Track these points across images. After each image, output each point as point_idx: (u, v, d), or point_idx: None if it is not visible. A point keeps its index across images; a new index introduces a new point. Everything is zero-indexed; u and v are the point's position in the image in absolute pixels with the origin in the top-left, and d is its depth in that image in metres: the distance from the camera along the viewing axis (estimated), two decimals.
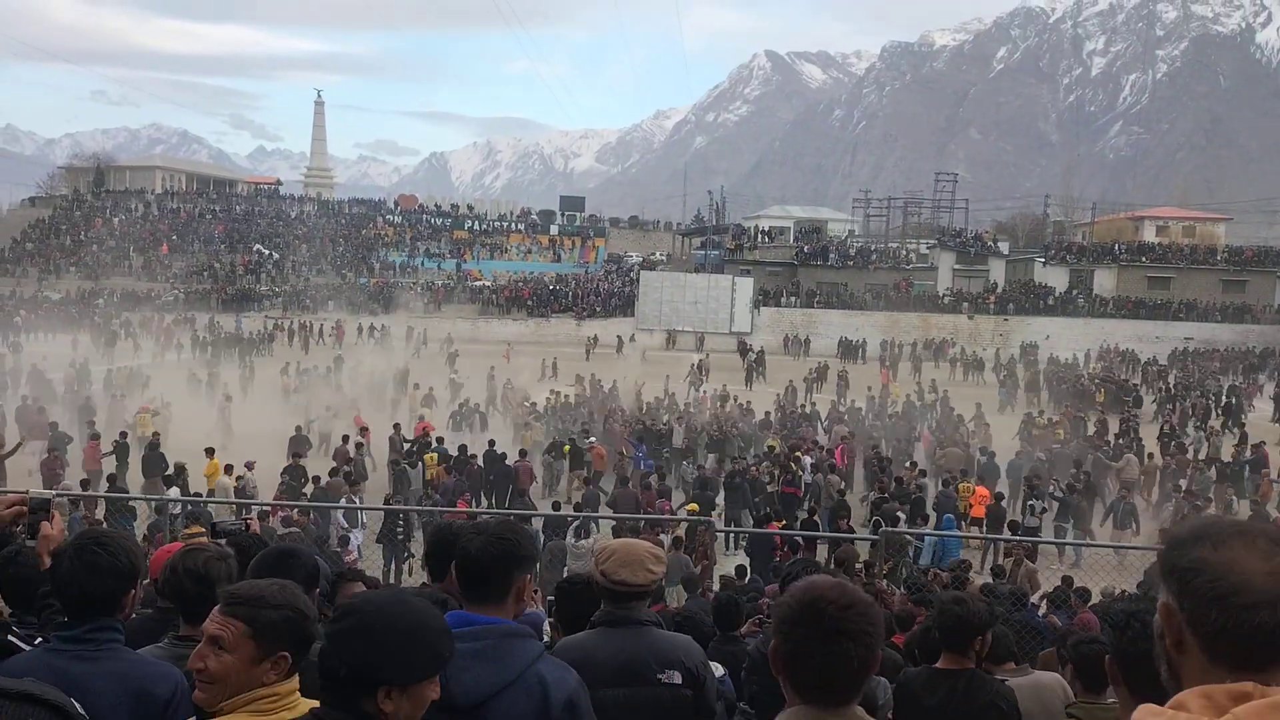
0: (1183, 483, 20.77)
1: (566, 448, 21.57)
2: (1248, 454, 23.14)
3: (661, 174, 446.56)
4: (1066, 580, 12.27)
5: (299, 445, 21.36)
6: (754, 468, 20.27)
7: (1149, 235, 74.53)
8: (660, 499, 17.05)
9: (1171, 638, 1.41)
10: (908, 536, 14.17)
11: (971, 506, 18.38)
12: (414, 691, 1.98)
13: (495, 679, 2.44)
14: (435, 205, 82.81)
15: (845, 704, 1.87)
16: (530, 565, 2.63)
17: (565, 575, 8.24)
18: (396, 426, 22.50)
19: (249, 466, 17.19)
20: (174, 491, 15.78)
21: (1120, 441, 25.18)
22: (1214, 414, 32.22)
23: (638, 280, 59.26)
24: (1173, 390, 36.61)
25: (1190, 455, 24.10)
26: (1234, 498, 20.61)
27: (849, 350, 49.73)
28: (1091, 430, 27.47)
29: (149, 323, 48.42)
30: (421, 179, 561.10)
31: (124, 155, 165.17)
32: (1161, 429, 27.07)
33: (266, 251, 66.78)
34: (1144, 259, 61.93)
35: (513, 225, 78.27)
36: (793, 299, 58.03)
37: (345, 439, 21.48)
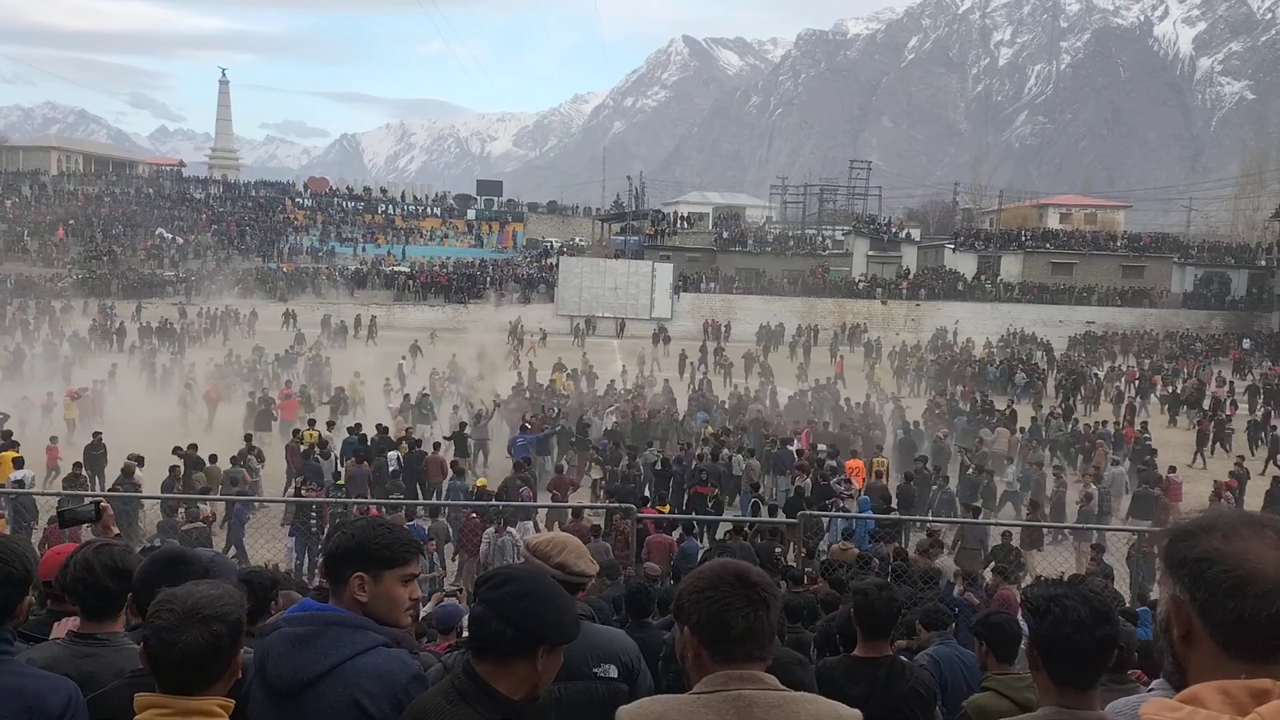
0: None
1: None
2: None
3: (580, 159, 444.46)
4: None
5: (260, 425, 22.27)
6: (686, 455, 20.36)
7: (1053, 222, 77.03)
8: (523, 487, 16.89)
9: (1180, 629, 1.41)
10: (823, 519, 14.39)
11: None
12: (559, 654, 2.23)
13: (310, 667, 2.37)
14: (347, 188, 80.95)
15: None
16: (370, 563, 2.50)
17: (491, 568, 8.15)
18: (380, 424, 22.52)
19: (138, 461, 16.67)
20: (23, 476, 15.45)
21: (980, 417, 26.91)
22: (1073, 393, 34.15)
23: (557, 266, 58.93)
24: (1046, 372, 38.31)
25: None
26: (1066, 465, 22.16)
27: (769, 336, 50.20)
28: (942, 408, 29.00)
29: (46, 310, 46.46)
30: (333, 161, 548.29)
31: (16, 135, 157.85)
32: (1004, 410, 28.41)
33: (169, 235, 64.52)
34: (1048, 245, 63.92)
35: (428, 209, 77.00)
36: (712, 285, 58.39)
37: (296, 433, 21.13)
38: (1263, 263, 62.68)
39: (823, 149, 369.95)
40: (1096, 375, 37.98)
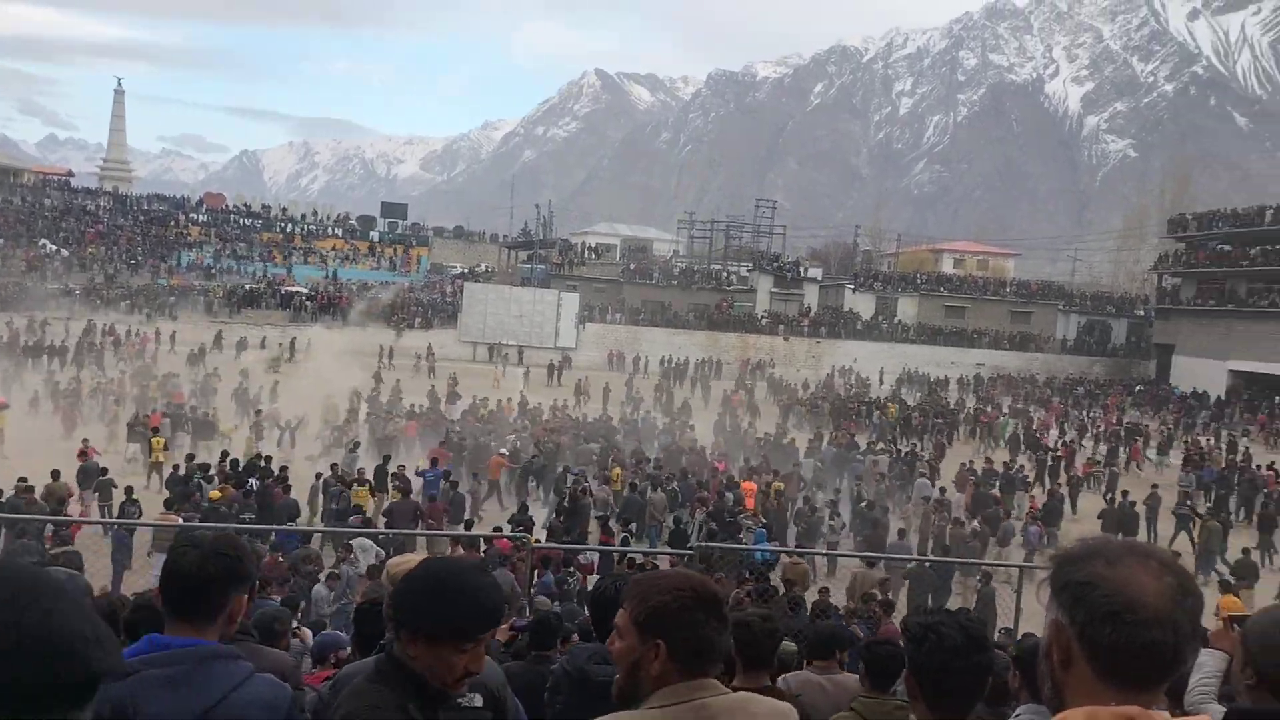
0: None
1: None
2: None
3: (488, 185, 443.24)
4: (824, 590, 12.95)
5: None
6: (587, 487, 20.26)
7: (947, 267, 79.65)
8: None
9: (1059, 654, 1.40)
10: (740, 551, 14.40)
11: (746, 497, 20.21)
12: (434, 649, 2.19)
13: (189, 707, 2.22)
14: (245, 205, 78.92)
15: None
16: (249, 584, 2.44)
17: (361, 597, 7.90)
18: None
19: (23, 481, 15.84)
20: None
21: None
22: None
23: (460, 291, 58.30)
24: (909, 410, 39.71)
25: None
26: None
27: (673, 371, 50.41)
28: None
29: None
30: (231, 177, 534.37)
31: None
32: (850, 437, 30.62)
33: (54, 247, 61.74)
34: (942, 289, 66.04)
35: (329, 230, 75.48)
36: (617, 315, 58.55)
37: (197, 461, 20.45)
38: (1141, 313, 65.95)
39: (730, 186, 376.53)
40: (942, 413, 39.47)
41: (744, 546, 15.39)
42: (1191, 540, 20.67)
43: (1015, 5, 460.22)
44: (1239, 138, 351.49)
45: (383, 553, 12.89)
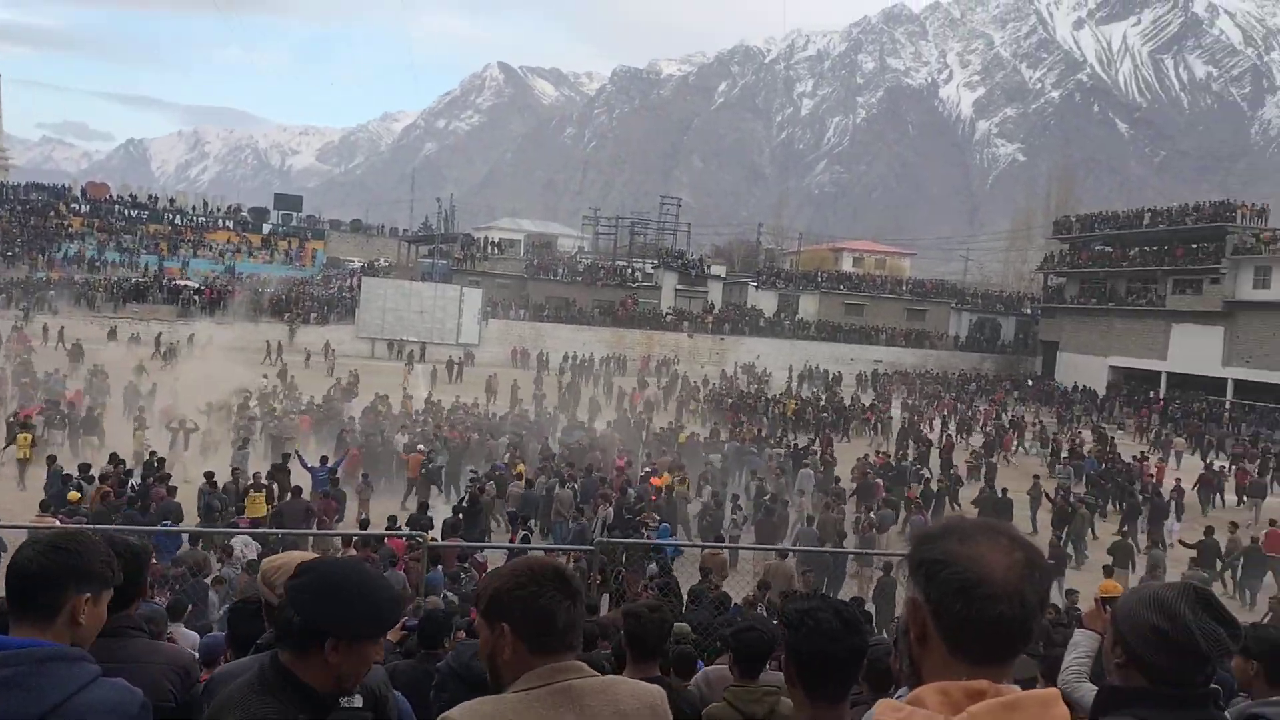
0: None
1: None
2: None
3: (388, 178, 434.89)
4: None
5: None
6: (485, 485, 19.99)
7: (847, 265, 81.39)
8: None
9: (915, 631, 1.43)
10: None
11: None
12: (357, 649, 2.18)
13: (24, 711, 2.10)
14: (130, 195, 75.85)
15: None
16: (94, 583, 2.28)
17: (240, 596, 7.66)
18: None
19: None
20: None
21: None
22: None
23: (359, 286, 57.07)
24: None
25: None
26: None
27: (578, 368, 50.32)
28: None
29: None
30: (116, 167, 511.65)
31: None
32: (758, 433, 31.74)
33: None
34: (841, 287, 67.50)
35: (220, 222, 72.96)
36: (521, 312, 58.14)
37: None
38: (1028, 311, 68.57)
39: (635, 183, 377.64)
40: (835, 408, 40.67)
41: (647, 541, 15.43)
42: (1066, 527, 21.51)
43: (911, 11, 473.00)
44: (1120, 143, 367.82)
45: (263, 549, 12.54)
